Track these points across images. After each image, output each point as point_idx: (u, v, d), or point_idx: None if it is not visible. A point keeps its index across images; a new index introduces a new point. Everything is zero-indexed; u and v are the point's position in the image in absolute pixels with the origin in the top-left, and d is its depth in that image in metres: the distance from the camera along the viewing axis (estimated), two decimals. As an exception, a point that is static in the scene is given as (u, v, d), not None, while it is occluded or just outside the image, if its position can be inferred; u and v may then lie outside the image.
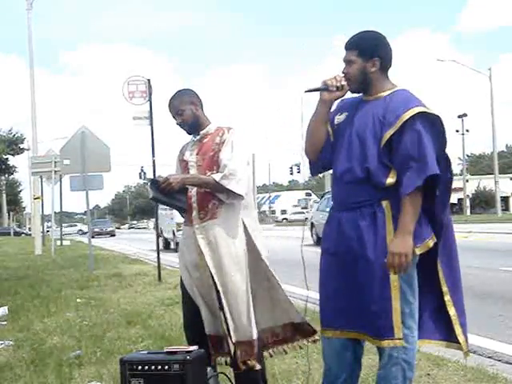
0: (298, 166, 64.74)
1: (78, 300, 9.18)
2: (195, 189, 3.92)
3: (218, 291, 3.84)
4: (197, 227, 3.90)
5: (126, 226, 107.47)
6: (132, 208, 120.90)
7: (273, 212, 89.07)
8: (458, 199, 61.86)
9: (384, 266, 3.15)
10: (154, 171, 11.66)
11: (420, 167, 3.12)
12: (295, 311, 3.98)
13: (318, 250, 3.47)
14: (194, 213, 3.92)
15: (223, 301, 3.83)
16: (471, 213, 62.30)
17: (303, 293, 4.08)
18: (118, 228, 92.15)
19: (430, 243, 3.24)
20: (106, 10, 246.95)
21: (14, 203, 78.18)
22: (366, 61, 3.28)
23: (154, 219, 23.36)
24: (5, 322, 7.52)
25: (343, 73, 3.35)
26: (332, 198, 3.46)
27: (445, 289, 3.33)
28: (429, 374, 4.55)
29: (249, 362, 3.82)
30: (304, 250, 3.60)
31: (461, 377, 4.49)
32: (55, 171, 20.99)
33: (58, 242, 29.66)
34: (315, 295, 3.49)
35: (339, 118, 3.41)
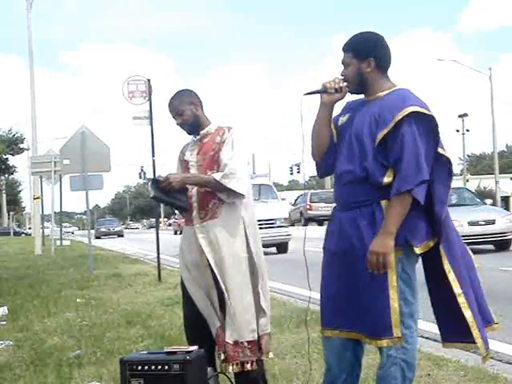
0: (298, 165, 64.63)
1: (78, 300, 9.18)
2: (195, 188, 3.92)
3: (219, 291, 3.84)
4: (197, 227, 3.90)
5: (123, 226, 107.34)
6: (132, 208, 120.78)
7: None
8: (458, 199, 61.79)
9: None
10: (154, 171, 11.66)
11: (410, 171, 3.10)
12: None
13: (317, 245, 3.44)
14: (195, 212, 3.92)
15: (224, 300, 3.82)
16: (471, 213, 62.12)
17: (303, 293, 4.08)
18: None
19: (431, 243, 3.23)
20: (106, 10, 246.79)
21: (14, 203, 78.16)
22: (361, 61, 3.29)
23: (145, 220, 23.19)
24: (5, 322, 7.53)
25: (342, 75, 3.37)
26: (334, 199, 3.47)
27: (457, 291, 3.22)
28: (429, 374, 4.54)
29: (247, 364, 3.82)
30: (304, 250, 3.60)
31: (461, 377, 4.48)
32: (55, 171, 20.98)
33: (58, 242, 29.65)
34: (317, 296, 3.48)
35: (342, 120, 3.43)
